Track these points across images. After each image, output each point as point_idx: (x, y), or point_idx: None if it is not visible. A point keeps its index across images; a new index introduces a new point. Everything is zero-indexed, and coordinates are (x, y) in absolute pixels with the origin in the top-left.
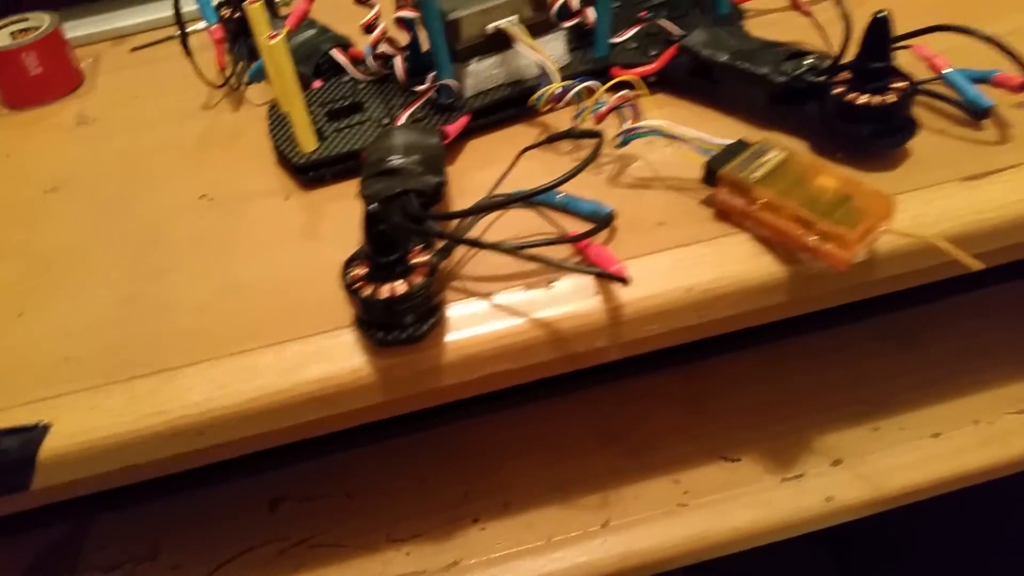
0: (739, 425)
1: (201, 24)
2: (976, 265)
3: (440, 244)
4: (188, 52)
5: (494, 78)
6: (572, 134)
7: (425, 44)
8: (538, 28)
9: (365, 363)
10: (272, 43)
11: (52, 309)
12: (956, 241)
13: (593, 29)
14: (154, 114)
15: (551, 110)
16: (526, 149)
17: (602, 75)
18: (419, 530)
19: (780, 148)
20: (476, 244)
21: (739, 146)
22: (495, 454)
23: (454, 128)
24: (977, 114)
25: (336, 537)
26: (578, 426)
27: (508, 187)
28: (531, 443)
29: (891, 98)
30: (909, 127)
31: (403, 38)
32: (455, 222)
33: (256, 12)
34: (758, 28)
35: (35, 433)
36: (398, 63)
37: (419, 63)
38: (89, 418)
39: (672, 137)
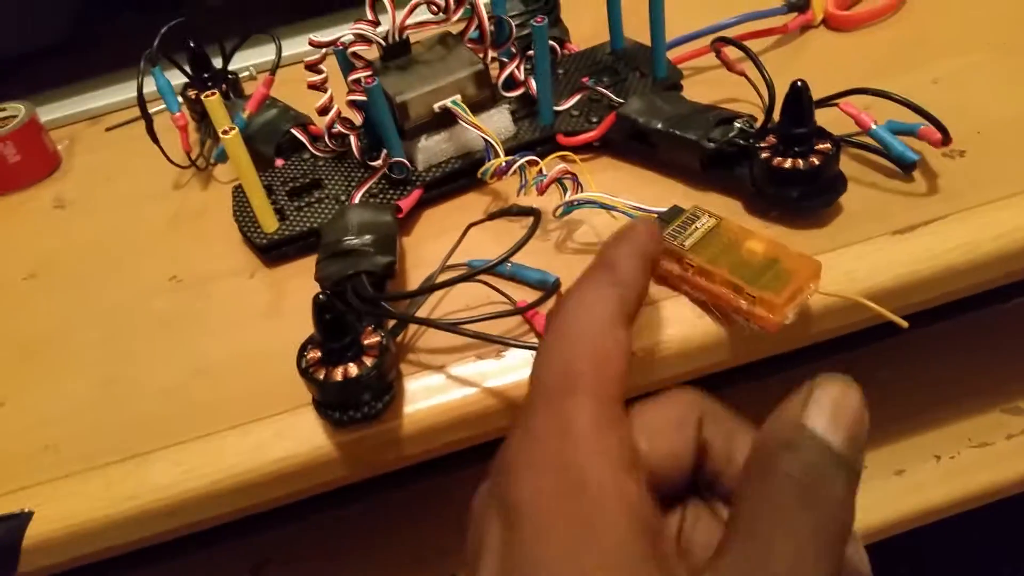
0: None
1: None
2: (902, 324)
3: (391, 323)
4: (155, 139)
5: (444, 152)
6: (512, 212)
7: None
8: (483, 103)
9: (326, 440)
10: (227, 137)
11: (31, 398)
12: (890, 294)
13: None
14: (127, 195)
15: (498, 180)
16: (472, 225)
17: (548, 142)
18: None
19: (710, 215)
20: (425, 323)
21: (673, 212)
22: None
23: (407, 202)
24: (905, 168)
25: None
26: None
27: (460, 256)
28: None
29: (815, 160)
30: (837, 186)
31: (357, 118)
32: (408, 299)
33: (214, 105)
34: (696, 86)
35: (19, 521)
36: (353, 141)
37: (375, 139)
38: (69, 504)
39: (608, 207)
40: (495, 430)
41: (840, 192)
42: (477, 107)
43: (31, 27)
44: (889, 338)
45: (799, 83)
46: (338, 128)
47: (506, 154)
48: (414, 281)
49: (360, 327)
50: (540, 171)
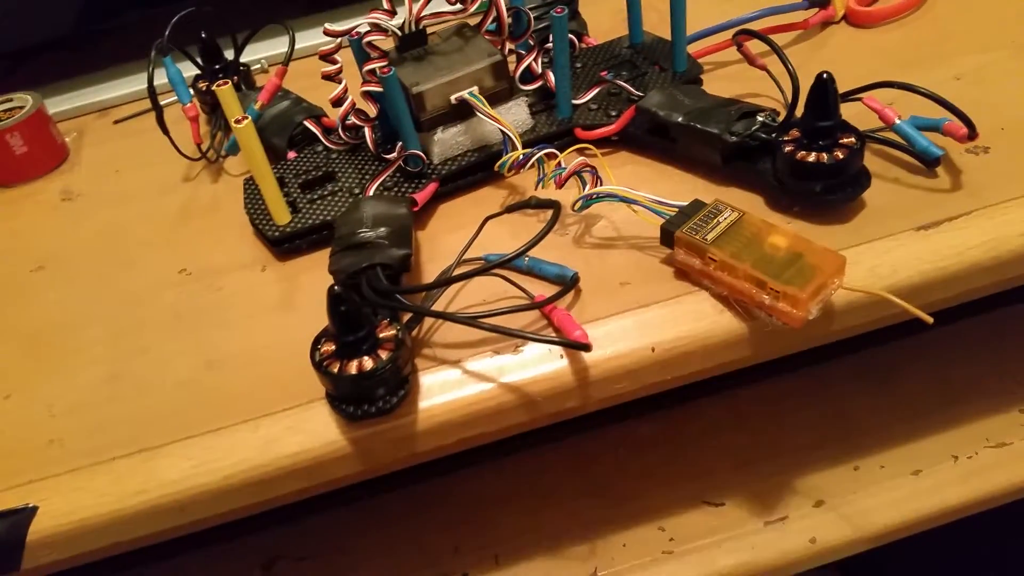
0: (720, 469)
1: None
2: (927, 319)
3: (407, 317)
4: (165, 130)
5: (460, 144)
6: (531, 204)
7: None
8: (501, 95)
9: (339, 435)
10: (239, 127)
11: (38, 391)
12: (913, 290)
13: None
14: (136, 187)
15: (516, 174)
16: (489, 218)
17: (566, 136)
18: None
19: (733, 209)
20: (441, 316)
21: (694, 207)
22: (482, 506)
23: (423, 196)
24: (929, 163)
25: None
26: (562, 475)
27: (476, 250)
28: (516, 494)
29: (840, 154)
30: (861, 180)
31: (371, 109)
32: (423, 293)
33: (226, 94)
34: (716, 81)
35: (24, 515)
36: (368, 133)
37: (389, 131)
38: (74, 499)
39: (628, 201)
40: (512, 426)
41: (864, 187)
42: (494, 99)
43: (39, 19)
44: (907, 337)
45: (825, 75)
46: (352, 120)
47: (524, 147)
48: (430, 275)
49: (375, 320)
50: (559, 164)
